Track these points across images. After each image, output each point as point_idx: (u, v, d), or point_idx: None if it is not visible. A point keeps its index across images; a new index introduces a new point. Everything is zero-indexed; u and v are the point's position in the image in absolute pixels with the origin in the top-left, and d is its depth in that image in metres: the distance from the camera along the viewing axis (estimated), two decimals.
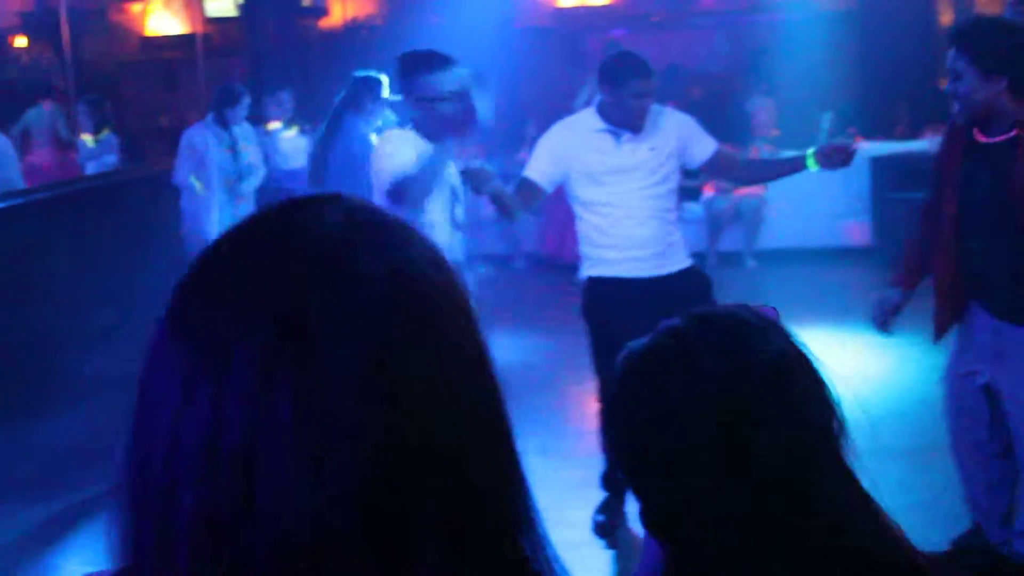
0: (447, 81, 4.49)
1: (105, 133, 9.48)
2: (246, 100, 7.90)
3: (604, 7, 12.84)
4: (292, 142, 8.73)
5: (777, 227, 10.13)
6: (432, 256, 0.82)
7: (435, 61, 4.53)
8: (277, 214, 0.83)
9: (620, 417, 1.40)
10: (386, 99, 6.82)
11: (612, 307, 4.74)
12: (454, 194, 4.65)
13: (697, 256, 9.90)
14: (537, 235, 10.11)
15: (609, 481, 4.84)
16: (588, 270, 4.86)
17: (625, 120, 4.70)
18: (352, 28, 11.11)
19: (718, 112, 10.86)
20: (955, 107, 3.89)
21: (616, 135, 4.72)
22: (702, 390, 1.32)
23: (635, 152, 4.72)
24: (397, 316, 0.77)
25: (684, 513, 1.33)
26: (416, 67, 4.52)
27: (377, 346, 0.76)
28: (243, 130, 8.03)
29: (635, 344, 1.41)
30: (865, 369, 6.61)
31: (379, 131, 6.66)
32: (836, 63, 11.55)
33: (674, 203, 4.90)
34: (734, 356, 1.34)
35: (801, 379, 1.35)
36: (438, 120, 4.50)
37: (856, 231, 10.28)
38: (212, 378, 0.74)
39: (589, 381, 4.92)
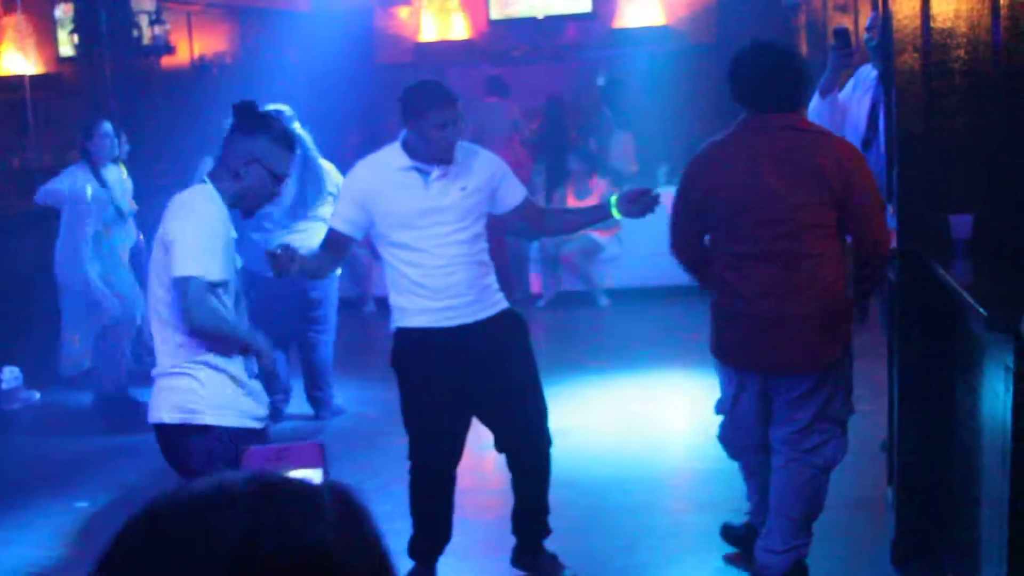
0: (284, 158, 3.76)
1: None
2: (102, 131, 7.34)
3: (465, 42, 12.64)
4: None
5: (635, 266, 9.89)
6: None
7: (280, 128, 3.80)
8: None
9: None
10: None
11: (422, 358, 4.45)
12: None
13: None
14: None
15: (415, 550, 4.57)
16: (399, 321, 4.50)
17: (432, 153, 4.30)
18: (200, 66, 10.74)
19: (581, 145, 10.77)
20: None
21: (424, 173, 4.33)
22: None
23: (445, 192, 4.34)
24: None
25: None
26: (265, 124, 3.75)
27: None
28: (118, 173, 7.55)
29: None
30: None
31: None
32: (698, 96, 11.48)
33: (485, 246, 4.54)
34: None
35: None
36: (263, 191, 3.77)
37: None
38: None
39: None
